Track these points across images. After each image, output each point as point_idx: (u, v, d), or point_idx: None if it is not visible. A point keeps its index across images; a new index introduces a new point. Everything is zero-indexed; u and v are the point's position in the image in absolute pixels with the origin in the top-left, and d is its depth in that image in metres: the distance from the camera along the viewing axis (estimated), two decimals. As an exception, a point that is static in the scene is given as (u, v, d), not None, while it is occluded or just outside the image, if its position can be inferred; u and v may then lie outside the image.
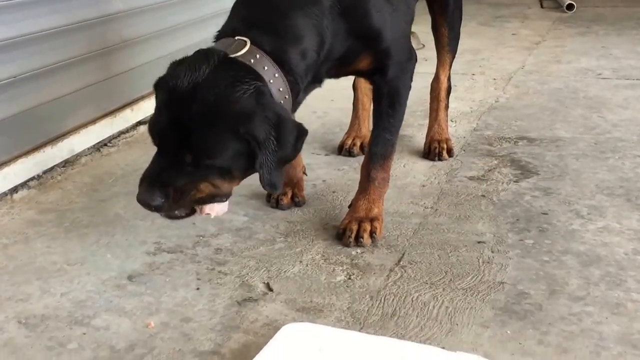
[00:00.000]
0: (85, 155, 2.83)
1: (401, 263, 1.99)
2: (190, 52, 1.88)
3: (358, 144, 2.82)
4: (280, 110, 1.82)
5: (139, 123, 3.18)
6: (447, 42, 2.80)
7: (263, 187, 1.84)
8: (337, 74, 2.17)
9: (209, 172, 1.80)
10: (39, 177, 2.61)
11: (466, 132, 3.04)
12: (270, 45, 1.86)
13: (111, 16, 2.99)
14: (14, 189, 2.50)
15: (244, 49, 1.84)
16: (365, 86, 2.77)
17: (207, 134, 1.75)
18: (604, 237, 2.11)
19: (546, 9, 6.24)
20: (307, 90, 2.08)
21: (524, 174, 2.58)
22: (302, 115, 3.30)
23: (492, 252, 2.04)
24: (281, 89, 1.86)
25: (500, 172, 2.61)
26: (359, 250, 2.06)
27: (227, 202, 1.94)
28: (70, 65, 2.76)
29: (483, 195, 2.41)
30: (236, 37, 1.88)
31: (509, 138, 2.96)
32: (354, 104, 2.88)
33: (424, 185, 2.51)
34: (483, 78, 3.91)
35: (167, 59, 3.54)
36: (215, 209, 1.91)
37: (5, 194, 2.46)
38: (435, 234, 2.15)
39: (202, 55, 1.84)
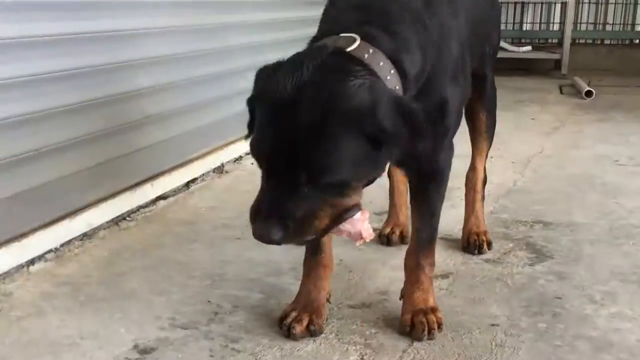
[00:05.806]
0: (104, 229, 2.86)
1: (414, 344, 1.98)
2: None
3: (397, 232, 2.68)
4: (400, 97, 1.59)
5: (159, 198, 3.22)
6: (485, 129, 2.62)
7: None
8: None
9: (327, 192, 1.56)
10: (56, 249, 2.62)
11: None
12: (384, 45, 1.64)
13: (135, 92, 3.04)
14: (31, 261, 2.50)
15: (354, 44, 1.61)
16: (400, 172, 2.60)
17: (321, 141, 1.49)
18: (617, 323, 2.09)
19: (565, 94, 6.34)
20: None
21: (539, 258, 2.58)
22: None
23: (505, 335, 2.02)
24: (397, 88, 1.63)
25: (515, 255, 2.61)
26: (372, 330, 2.06)
27: (366, 218, 1.66)
28: (92, 140, 2.79)
29: (498, 278, 2.40)
30: (342, 35, 1.65)
31: (525, 221, 2.96)
32: (390, 191, 2.74)
33: (439, 267, 2.50)
34: (502, 161, 3.93)
35: (190, 135, 3.58)
36: (358, 227, 1.64)
37: (22, 265, 2.46)
38: (449, 315, 2.14)
39: (303, 53, 1.61)
